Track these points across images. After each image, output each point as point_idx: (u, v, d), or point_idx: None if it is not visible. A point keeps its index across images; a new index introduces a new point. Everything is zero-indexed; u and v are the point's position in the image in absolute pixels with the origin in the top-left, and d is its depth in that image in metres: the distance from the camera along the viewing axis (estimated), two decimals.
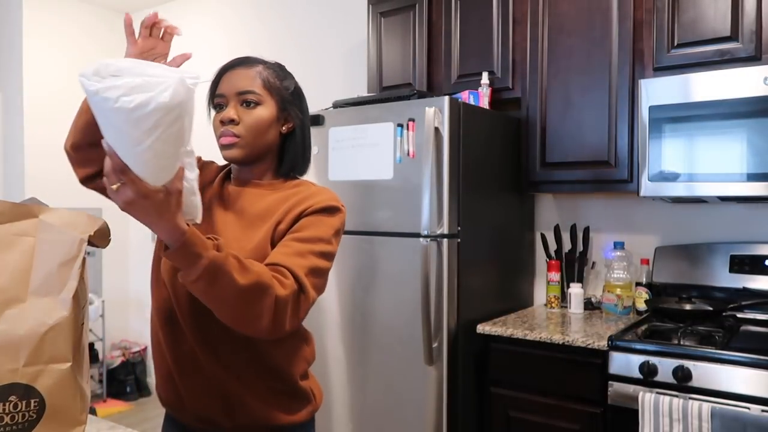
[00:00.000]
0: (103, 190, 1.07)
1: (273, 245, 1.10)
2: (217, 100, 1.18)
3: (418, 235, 2.11)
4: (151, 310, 1.19)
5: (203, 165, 1.27)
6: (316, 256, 1.08)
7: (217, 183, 1.23)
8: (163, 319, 1.14)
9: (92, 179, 1.14)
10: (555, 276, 2.47)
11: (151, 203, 0.80)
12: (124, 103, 0.73)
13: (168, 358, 1.14)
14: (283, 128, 1.21)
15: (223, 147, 1.16)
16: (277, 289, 0.97)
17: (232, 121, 1.14)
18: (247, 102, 1.15)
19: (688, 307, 2.05)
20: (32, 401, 0.64)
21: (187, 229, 0.88)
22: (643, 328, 2.02)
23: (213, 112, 1.21)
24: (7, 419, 0.62)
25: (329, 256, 1.11)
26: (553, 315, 2.36)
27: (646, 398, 1.72)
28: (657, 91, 2.01)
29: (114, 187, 0.78)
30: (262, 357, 1.13)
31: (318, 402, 1.25)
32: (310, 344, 1.25)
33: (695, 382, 1.72)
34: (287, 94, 1.21)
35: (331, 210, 1.15)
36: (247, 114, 1.15)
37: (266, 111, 1.17)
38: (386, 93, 2.35)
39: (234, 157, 1.16)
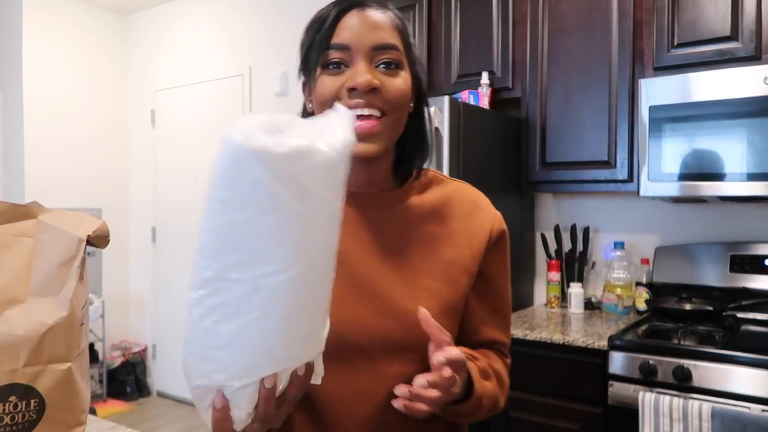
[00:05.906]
0: None
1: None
2: (333, 54, 0.73)
3: None
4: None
5: None
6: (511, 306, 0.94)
7: None
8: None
9: None
10: (555, 276, 2.47)
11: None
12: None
13: None
14: (411, 104, 0.81)
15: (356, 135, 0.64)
16: (508, 380, 0.89)
17: (373, 90, 0.72)
18: (388, 63, 0.74)
19: (688, 307, 2.05)
20: (32, 401, 0.64)
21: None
22: (643, 328, 2.02)
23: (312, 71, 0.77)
24: (7, 419, 0.62)
25: None
26: (554, 315, 2.36)
27: (646, 398, 1.72)
28: (657, 90, 2.01)
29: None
30: None
31: None
32: None
33: (695, 382, 1.72)
34: (416, 56, 0.83)
35: (506, 232, 0.89)
36: (390, 81, 0.74)
37: (406, 81, 0.77)
38: None
39: (374, 152, 0.74)
